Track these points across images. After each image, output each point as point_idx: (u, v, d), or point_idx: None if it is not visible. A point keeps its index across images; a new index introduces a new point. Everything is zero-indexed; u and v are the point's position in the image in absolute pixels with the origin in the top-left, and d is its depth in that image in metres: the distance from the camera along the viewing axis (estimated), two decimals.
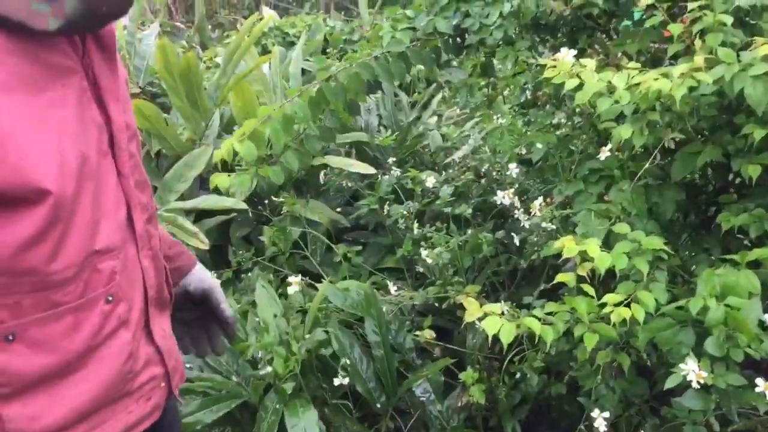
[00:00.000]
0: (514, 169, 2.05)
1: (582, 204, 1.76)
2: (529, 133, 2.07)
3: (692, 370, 1.39)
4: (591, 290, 1.48)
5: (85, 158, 0.89)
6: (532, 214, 1.84)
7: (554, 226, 1.81)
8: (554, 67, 1.67)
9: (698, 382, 1.41)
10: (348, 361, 1.94)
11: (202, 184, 2.60)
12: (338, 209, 2.70)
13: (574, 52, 1.70)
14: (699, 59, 1.49)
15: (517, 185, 2.27)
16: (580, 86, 1.63)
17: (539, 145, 1.99)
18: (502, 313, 1.46)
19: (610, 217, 1.67)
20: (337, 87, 1.99)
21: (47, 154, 0.84)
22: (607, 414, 1.66)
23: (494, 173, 2.48)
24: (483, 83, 2.13)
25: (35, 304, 0.88)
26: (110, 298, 0.95)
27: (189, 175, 2.35)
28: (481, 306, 1.44)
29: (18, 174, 0.81)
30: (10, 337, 0.87)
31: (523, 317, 1.49)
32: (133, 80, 2.96)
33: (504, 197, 2.01)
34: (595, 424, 1.65)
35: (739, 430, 1.72)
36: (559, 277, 1.48)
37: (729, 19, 1.55)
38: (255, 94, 2.60)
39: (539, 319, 1.51)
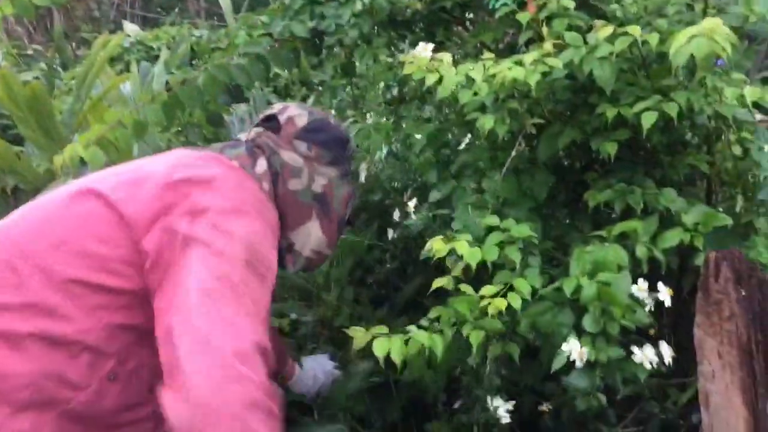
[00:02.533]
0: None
1: (459, 200, 1.76)
2: (404, 125, 2.05)
3: (573, 350, 1.41)
4: (468, 288, 1.48)
5: None
6: (408, 213, 1.83)
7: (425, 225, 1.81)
8: (412, 62, 1.66)
9: (582, 360, 1.44)
10: None
11: None
12: None
13: (431, 46, 1.69)
14: (548, 45, 1.52)
15: (396, 183, 2.25)
16: (440, 81, 1.63)
17: (418, 136, 1.97)
18: (389, 331, 1.44)
19: (488, 208, 1.68)
20: (192, 90, 1.91)
21: None
22: (510, 405, 1.66)
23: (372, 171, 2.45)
24: (346, 84, 2.10)
25: None
26: None
27: None
28: (367, 329, 1.41)
29: None
30: None
31: (412, 332, 1.47)
32: None
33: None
34: (498, 413, 1.66)
35: (628, 395, 1.79)
36: (436, 283, 1.47)
37: (571, 4, 1.59)
38: (116, 116, 2.46)
39: (427, 329, 1.49)
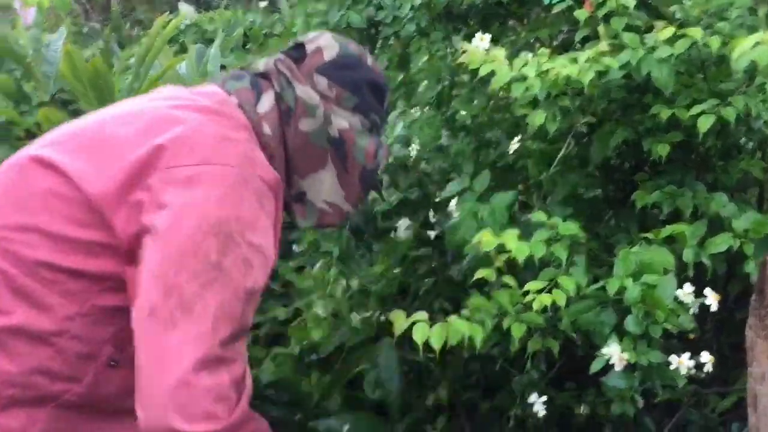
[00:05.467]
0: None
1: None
2: (453, 102, 2.03)
3: (614, 353, 1.41)
4: (512, 281, 1.49)
5: None
6: (450, 208, 1.84)
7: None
8: (466, 52, 1.67)
9: (621, 364, 1.44)
10: None
11: None
12: None
13: (488, 37, 1.69)
14: (604, 44, 1.51)
15: (437, 176, 2.25)
16: (493, 73, 1.63)
17: (463, 112, 1.97)
18: (431, 318, 1.47)
19: (527, 206, 1.69)
20: None
21: None
22: (545, 398, 1.67)
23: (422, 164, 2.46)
24: (400, 76, 2.12)
25: None
26: None
27: None
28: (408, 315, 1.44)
29: None
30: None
31: (452, 321, 1.49)
32: (43, 88, 2.83)
33: None
34: (534, 409, 1.67)
35: (667, 401, 1.78)
36: (479, 273, 1.48)
37: (632, 2, 1.58)
38: None
39: (468, 319, 1.51)
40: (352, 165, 1.28)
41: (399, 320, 1.41)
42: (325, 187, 1.27)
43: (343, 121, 1.27)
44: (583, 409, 1.74)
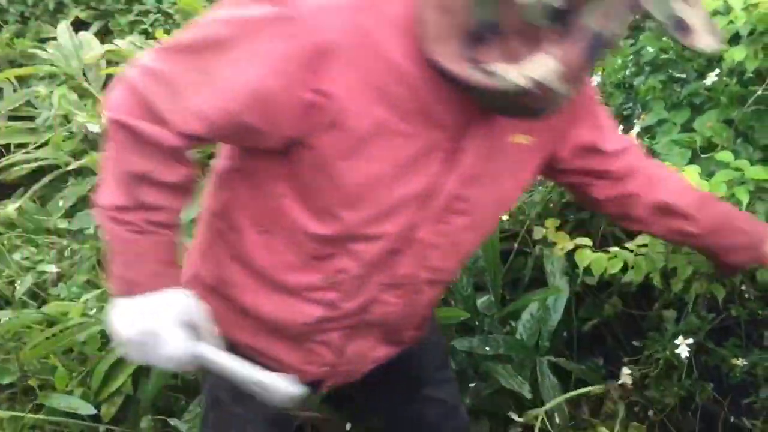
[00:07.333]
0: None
1: (665, 134, 1.69)
2: (641, 37, 1.97)
3: None
4: None
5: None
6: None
7: None
8: None
9: None
10: None
11: None
12: None
13: None
14: None
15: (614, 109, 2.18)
16: None
17: (650, 49, 1.89)
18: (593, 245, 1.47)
19: (694, 147, 1.61)
20: None
21: None
22: (690, 341, 1.65)
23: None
24: None
25: None
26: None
27: None
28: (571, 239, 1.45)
29: None
30: None
31: (615, 251, 1.48)
32: None
33: None
34: (678, 350, 1.65)
35: None
36: None
37: None
38: None
39: (632, 251, 1.50)
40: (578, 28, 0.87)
41: (562, 241, 1.43)
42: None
43: None
44: (741, 362, 1.68)
